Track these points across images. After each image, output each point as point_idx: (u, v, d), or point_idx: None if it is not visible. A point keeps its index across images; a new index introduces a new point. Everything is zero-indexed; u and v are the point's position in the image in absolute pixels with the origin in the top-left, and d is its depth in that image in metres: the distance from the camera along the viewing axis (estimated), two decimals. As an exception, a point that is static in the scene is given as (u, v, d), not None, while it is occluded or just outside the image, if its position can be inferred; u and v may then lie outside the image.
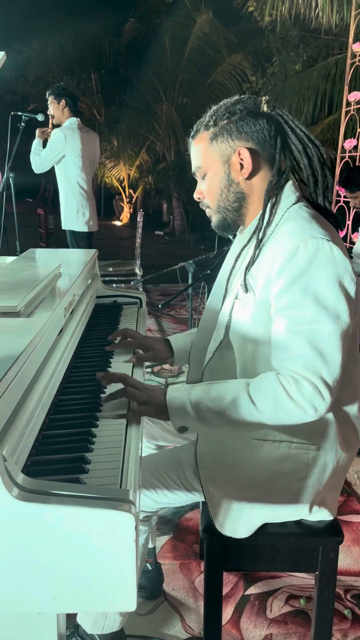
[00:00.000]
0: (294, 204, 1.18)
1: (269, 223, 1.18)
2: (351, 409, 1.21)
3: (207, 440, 1.26)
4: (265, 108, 1.21)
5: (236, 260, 1.31)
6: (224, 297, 1.31)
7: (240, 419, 1.10)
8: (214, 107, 1.25)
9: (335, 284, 1.06)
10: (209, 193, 1.27)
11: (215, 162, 1.23)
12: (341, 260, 1.07)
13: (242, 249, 1.27)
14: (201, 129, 1.25)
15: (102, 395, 1.21)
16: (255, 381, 1.12)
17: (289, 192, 1.20)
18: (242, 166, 1.21)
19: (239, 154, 1.20)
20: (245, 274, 1.18)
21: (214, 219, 1.30)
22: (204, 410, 1.12)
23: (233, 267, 1.32)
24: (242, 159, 1.20)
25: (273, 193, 1.20)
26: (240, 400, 1.10)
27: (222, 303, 1.30)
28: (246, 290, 1.18)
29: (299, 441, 1.19)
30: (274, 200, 1.20)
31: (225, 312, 1.25)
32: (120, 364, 1.42)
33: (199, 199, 1.31)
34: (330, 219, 1.22)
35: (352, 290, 1.08)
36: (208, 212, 1.31)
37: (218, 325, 1.28)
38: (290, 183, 1.22)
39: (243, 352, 1.21)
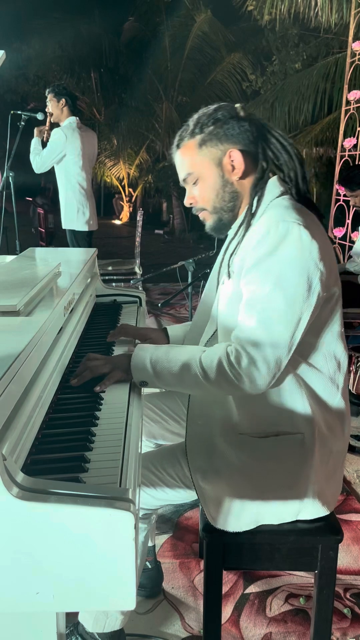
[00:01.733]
0: (277, 197, 1.22)
1: (254, 215, 1.22)
2: (332, 399, 1.23)
3: (196, 433, 1.28)
4: (242, 113, 1.26)
5: (224, 253, 1.34)
6: (216, 291, 1.34)
7: (189, 381, 1.19)
8: (195, 117, 1.28)
9: (297, 267, 1.10)
10: (203, 197, 1.30)
11: (208, 166, 1.26)
12: (308, 245, 1.10)
13: (230, 243, 1.30)
14: (186, 138, 1.28)
15: (103, 396, 1.22)
16: (209, 349, 1.20)
17: (273, 187, 1.25)
18: (233, 167, 1.25)
19: (230, 156, 1.24)
20: (228, 262, 1.24)
21: (210, 221, 1.33)
22: (160, 369, 1.21)
23: (222, 260, 1.35)
24: (232, 160, 1.25)
25: (259, 188, 1.24)
26: (191, 364, 1.18)
27: (215, 297, 1.34)
28: (229, 276, 1.24)
29: (284, 432, 1.20)
30: (259, 194, 1.24)
31: (216, 303, 1.30)
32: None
33: (191, 204, 1.34)
34: (314, 210, 1.25)
35: (315, 276, 1.11)
36: (202, 214, 1.34)
37: (211, 317, 1.32)
38: (274, 179, 1.26)
39: (224, 334, 1.25)
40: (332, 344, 1.22)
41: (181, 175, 1.32)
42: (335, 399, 1.23)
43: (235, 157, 1.24)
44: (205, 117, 1.26)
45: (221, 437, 1.24)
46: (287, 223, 1.11)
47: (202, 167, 1.27)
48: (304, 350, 1.19)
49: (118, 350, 1.51)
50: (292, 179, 1.25)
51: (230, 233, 1.33)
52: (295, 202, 1.22)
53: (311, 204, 1.26)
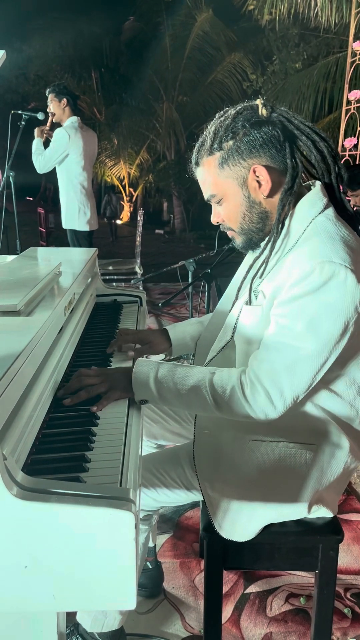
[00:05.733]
0: (320, 212, 1.12)
1: (288, 233, 1.14)
2: (351, 422, 1.20)
3: (204, 442, 1.27)
4: (264, 112, 1.13)
5: (249, 269, 1.26)
6: (234, 302, 1.29)
7: (196, 405, 1.15)
8: (212, 129, 1.16)
9: (336, 312, 1.04)
10: (229, 218, 1.21)
11: (231, 187, 1.16)
12: (352, 290, 1.03)
13: (256, 259, 1.22)
14: (205, 155, 1.17)
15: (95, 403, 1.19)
16: (219, 373, 1.15)
17: (316, 198, 1.14)
18: (260, 184, 1.14)
19: (255, 172, 1.13)
20: (251, 283, 1.19)
21: (239, 241, 1.25)
22: (165, 389, 1.15)
23: (246, 275, 1.28)
24: (258, 177, 1.14)
25: (287, 200, 1.13)
26: (200, 388, 1.13)
27: (232, 307, 1.29)
28: (250, 301, 1.19)
29: (296, 441, 1.19)
30: (288, 207, 1.14)
31: (234, 315, 1.25)
32: (120, 362, 1.42)
33: (217, 222, 1.25)
34: (351, 219, 1.18)
35: (352, 319, 1.05)
36: (230, 233, 1.26)
37: (225, 326, 1.28)
38: (318, 188, 1.15)
39: (244, 356, 1.21)
40: (356, 370, 1.16)
41: (205, 195, 1.22)
42: (354, 423, 1.20)
43: (261, 173, 1.12)
44: (224, 130, 1.13)
45: (230, 443, 1.22)
46: (334, 265, 1.02)
47: (225, 189, 1.17)
48: (328, 378, 1.14)
49: (117, 355, 1.47)
50: (323, 180, 1.17)
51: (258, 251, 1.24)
52: (338, 218, 1.12)
53: (346, 210, 1.18)
